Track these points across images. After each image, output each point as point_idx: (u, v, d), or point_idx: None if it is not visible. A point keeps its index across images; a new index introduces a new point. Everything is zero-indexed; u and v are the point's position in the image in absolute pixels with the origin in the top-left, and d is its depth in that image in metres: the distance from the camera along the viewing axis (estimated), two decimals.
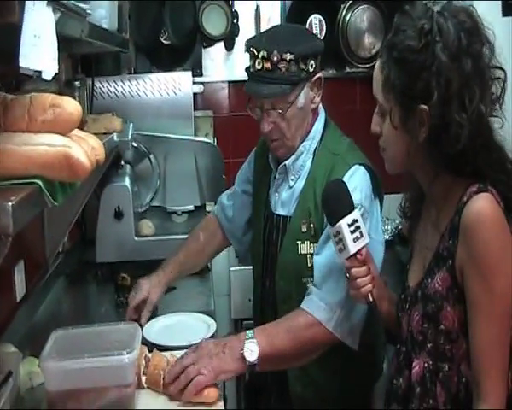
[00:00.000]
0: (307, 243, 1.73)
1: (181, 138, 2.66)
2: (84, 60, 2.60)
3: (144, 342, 1.72)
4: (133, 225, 2.45)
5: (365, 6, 3.22)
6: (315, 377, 1.76)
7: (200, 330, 1.92)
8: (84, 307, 2.36)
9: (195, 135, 2.82)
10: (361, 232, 1.41)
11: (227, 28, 3.15)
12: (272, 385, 1.93)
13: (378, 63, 1.36)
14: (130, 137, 2.42)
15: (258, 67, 1.68)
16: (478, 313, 1.27)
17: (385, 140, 1.38)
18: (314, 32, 3.19)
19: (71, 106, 1.03)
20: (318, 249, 1.68)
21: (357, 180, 1.66)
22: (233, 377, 1.64)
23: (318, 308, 1.61)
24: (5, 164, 0.95)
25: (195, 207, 2.69)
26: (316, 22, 3.21)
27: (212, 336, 1.89)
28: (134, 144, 2.55)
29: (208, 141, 2.80)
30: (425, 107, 1.27)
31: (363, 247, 1.42)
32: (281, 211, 1.83)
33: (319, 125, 1.80)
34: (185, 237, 2.49)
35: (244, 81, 1.78)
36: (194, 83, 2.84)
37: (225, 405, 1.55)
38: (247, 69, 1.73)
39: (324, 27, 3.22)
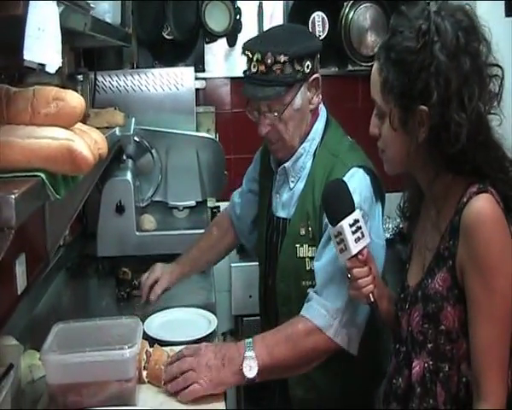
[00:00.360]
0: (305, 246, 1.72)
1: (183, 134, 2.65)
2: (87, 54, 2.59)
3: (145, 336, 1.72)
4: (134, 219, 2.45)
5: (368, 4, 3.22)
6: (316, 380, 1.74)
7: (201, 326, 1.92)
8: (85, 301, 2.36)
9: (197, 131, 2.82)
10: (362, 233, 1.41)
11: (230, 24, 3.15)
12: (273, 388, 1.93)
13: (375, 65, 1.36)
14: (132, 131, 2.42)
15: (254, 70, 1.68)
16: (478, 313, 1.27)
17: (384, 142, 1.38)
18: (317, 29, 3.20)
19: (74, 99, 1.03)
20: (318, 255, 1.67)
21: (356, 183, 1.63)
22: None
23: (319, 315, 1.60)
24: (8, 156, 0.95)
25: (197, 202, 2.69)
26: (318, 20, 3.21)
27: (212, 333, 1.89)
28: (136, 139, 2.55)
29: (210, 137, 2.80)
30: (424, 107, 1.26)
31: (365, 247, 1.42)
32: (281, 213, 1.82)
33: (319, 125, 1.78)
34: (186, 232, 2.51)
35: None
36: (196, 78, 2.84)
37: (225, 404, 1.55)
38: (244, 72, 1.73)
39: (327, 25, 3.22)
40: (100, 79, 2.62)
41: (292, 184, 1.79)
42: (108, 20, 1.93)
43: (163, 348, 1.68)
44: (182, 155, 2.65)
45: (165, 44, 3.17)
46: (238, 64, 3.12)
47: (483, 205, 1.26)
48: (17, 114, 1.00)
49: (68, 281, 2.45)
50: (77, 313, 2.09)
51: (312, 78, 1.71)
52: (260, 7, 3.24)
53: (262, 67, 1.65)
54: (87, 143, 1.03)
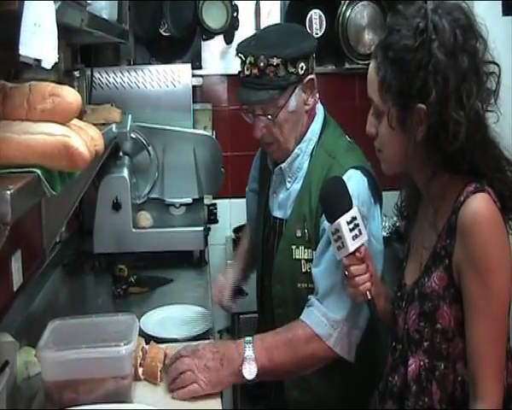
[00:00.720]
0: (301, 247, 1.71)
1: (180, 131, 2.65)
2: (84, 50, 2.59)
3: (141, 333, 1.72)
4: (131, 216, 2.45)
5: (365, 2, 3.22)
6: (312, 382, 1.74)
7: (198, 323, 1.92)
8: (82, 298, 2.36)
9: (194, 128, 2.81)
10: (360, 230, 1.41)
11: (227, 21, 3.15)
12: (269, 388, 1.94)
13: (372, 64, 1.35)
14: (128, 128, 2.41)
15: (247, 73, 1.66)
16: (475, 312, 1.26)
17: (381, 141, 1.37)
18: (314, 27, 3.20)
19: (70, 95, 1.03)
20: (316, 261, 1.65)
21: (353, 186, 1.60)
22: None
23: (319, 324, 1.59)
24: (4, 152, 0.95)
25: (194, 199, 2.68)
26: (316, 17, 3.21)
27: (208, 330, 1.89)
28: (133, 136, 2.54)
29: (207, 134, 2.79)
30: (423, 106, 1.26)
31: (362, 245, 1.42)
32: (278, 213, 1.81)
33: (316, 125, 1.77)
34: (183, 229, 2.52)
35: None
36: (193, 75, 2.83)
37: (222, 403, 1.54)
38: (238, 75, 1.72)
39: (324, 23, 3.22)
40: (96, 75, 2.62)
41: (288, 185, 1.77)
42: (105, 16, 1.92)
43: (159, 345, 1.68)
44: (178, 152, 2.64)
45: (162, 41, 3.16)
46: (235, 61, 3.06)
47: (480, 204, 1.26)
48: (13, 109, 1.00)
49: (64, 278, 2.45)
50: (73, 309, 2.09)
51: (307, 79, 1.69)
52: (257, 4, 3.24)
53: (255, 71, 1.64)
54: (83, 139, 1.02)
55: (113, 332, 1.55)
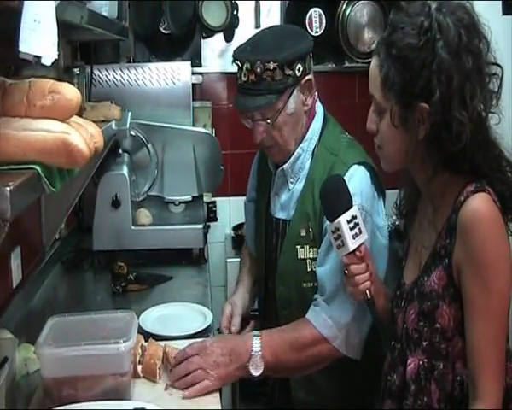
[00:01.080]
0: (306, 247, 1.70)
1: (179, 128, 2.65)
2: (83, 47, 2.59)
3: (140, 331, 1.72)
4: (130, 213, 2.45)
5: (365, 1, 3.22)
6: (318, 382, 1.75)
7: (197, 321, 1.92)
8: (81, 295, 2.36)
9: (194, 125, 2.81)
10: (360, 229, 1.40)
11: (227, 19, 3.15)
12: (272, 388, 1.94)
13: (375, 61, 1.34)
14: (128, 125, 2.42)
15: (244, 79, 1.65)
16: (474, 312, 1.26)
17: (382, 138, 1.37)
18: (314, 25, 3.20)
19: (70, 92, 1.03)
20: (321, 260, 1.65)
21: (357, 182, 1.62)
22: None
23: (325, 325, 1.61)
24: (3, 149, 0.95)
25: (193, 197, 2.68)
26: (315, 16, 3.21)
27: (207, 327, 1.89)
28: (132, 133, 2.54)
29: (207, 132, 2.79)
30: (425, 105, 1.26)
31: (362, 243, 1.41)
32: (280, 214, 1.80)
33: (316, 124, 1.76)
34: (182, 227, 2.52)
35: None
36: (193, 73, 2.83)
37: (221, 403, 1.54)
38: (236, 81, 1.70)
39: (324, 21, 3.22)
40: (96, 72, 2.62)
41: (291, 185, 1.77)
42: (105, 13, 1.92)
43: (158, 342, 1.68)
44: (178, 150, 2.64)
45: (162, 39, 3.16)
46: None
47: (480, 204, 1.26)
48: (13, 106, 1.00)
49: (64, 275, 2.45)
50: (72, 306, 2.09)
51: (305, 80, 1.68)
52: (257, 2, 3.24)
53: (252, 77, 1.63)
54: (83, 136, 1.02)
55: (112, 329, 1.54)
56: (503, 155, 1.33)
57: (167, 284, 2.32)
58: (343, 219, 1.39)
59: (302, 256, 1.71)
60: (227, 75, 3.27)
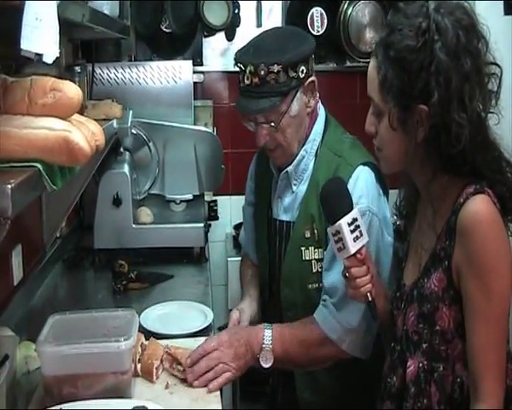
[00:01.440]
0: (311, 248, 1.71)
1: (181, 127, 2.65)
2: (85, 46, 2.59)
3: (141, 329, 1.72)
4: (131, 212, 2.45)
5: (367, 1, 3.22)
6: (323, 382, 1.76)
7: (197, 320, 1.92)
8: (81, 293, 2.36)
9: (195, 124, 2.81)
10: (360, 231, 1.39)
11: (228, 18, 3.15)
12: (275, 388, 1.95)
13: (372, 63, 1.33)
14: (129, 123, 2.41)
15: (247, 82, 1.63)
16: (475, 314, 1.26)
17: (381, 140, 1.36)
18: (315, 25, 3.19)
19: (71, 90, 1.03)
20: (329, 264, 1.65)
21: (363, 183, 1.63)
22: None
23: (334, 329, 1.63)
24: (5, 146, 0.95)
25: (194, 196, 2.69)
26: (317, 15, 3.20)
27: (208, 326, 1.89)
28: (133, 131, 2.54)
29: (208, 130, 2.79)
30: (424, 107, 1.25)
31: (363, 246, 1.40)
32: (284, 217, 1.80)
33: (319, 126, 1.76)
34: (183, 225, 2.52)
35: None
36: (194, 72, 2.83)
37: (222, 403, 1.54)
38: (238, 84, 1.69)
39: (325, 21, 3.21)
40: (97, 70, 2.62)
41: (294, 187, 1.76)
42: (106, 11, 1.92)
43: (158, 341, 1.68)
44: (179, 149, 2.64)
45: (164, 37, 3.16)
46: None
47: (480, 206, 1.26)
48: (14, 104, 1.00)
49: (64, 273, 2.45)
50: (73, 304, 2.09)
51: (308, 81, 1.67)
52: (259, 2, 3.24)
53: (255, 79, 1.61)
54: (84, 134, 1.02)
55: (112, 328, 1.55)
56: (502, 156, 1.33)
57: (168, 283, 2.32)
58: (344, 221, 1.37)
59: (307, 258, 1.71)
60: (228, 74, 3.27)
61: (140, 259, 2.42)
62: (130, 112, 2.46)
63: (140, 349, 1.61)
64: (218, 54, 3.29)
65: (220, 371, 1.58)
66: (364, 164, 1.67)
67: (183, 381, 1.58)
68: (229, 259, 3.08)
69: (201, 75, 3.05)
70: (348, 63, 3.34)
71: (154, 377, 1.58)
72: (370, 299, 1.42)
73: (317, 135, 1.76)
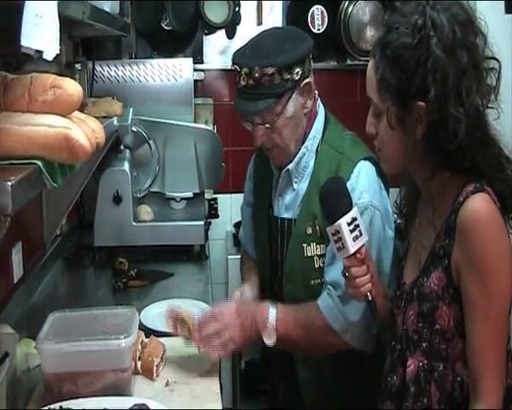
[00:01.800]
0: (313, 245, 1.71)
1: (181, 125, 2.65)
2: (85, 43, 2.59)
3: (141, 327, 1.72)
4: (132, 210, 2.45)
5: None
6: (326, 380, 1.77)
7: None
8: (82, 291, 2.36)
9: (195, 122, 2.81)
10: (360, 231, 1.38)
11: (228, 16, 3.14)
12: (278, 389, 1.95)
13: (371, 63, 1.33)
14: (130, 121, 2.41)
15: (243, 83, 1.65)
16: (475, 313, 1.26)
17: (381, 140, 1.36)
18: (316, 23, 3.18)
19: (72, 87, 1.03)
20: (330, 260, 1.66)
21: (365, 178, 1.64)
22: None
23: (336, 320, 1.63)
24: (5, 143, 0.95)
25: (194, 194, 2.69)
26: (317, 13, 3.20)
27: None
28: (134, 129, 2.54)
29: (208, 128, 2.79)
30: (422, 103, 1.25)
31: (363, 245, 1.40)
32: (285, 215, 1.80)
33: (319, 123, 1.77)
34: (183, 223, 2.52)
35: None
36: (194, 70, 2.83)
37: (222, 403, 1.54)
38: (235, 84, 1.70)
39: (326, 19, 3.21)
40: (98, 68, 2.61)
41: (295, 185, 1.77)
42: (107, 9, 1.92)
43: (159, 339, 1.69)
44: (180, 147, 2.64)
45: (164, 35, 3.16)
46: None
47: (479, 205, 1.25)
48: (14, 100, 1.00)
49: (65, 270, 2.45)
50: (73, 302, 2.10)
51: (303, 83, 1.67)
52: (259, 0, 3.23)
53: (251, 81, 1.62)
54: (84, 131, 1.02)
55: (113, 325, 1.55)
56: (502, 153, 1.32)
57: (168, 281, 2.32)
58: (343, 221, 1.37)
59: (309, 254, 1.71)
60: (229, 72, 3.26)
61: (140, 256, 2.42)
62: (131, 109, 2.46)
63: (140, 347, 1.61)
64: (219, 52, 3.28)
65: (226, 340, 1.59)
66: (365, 159, 1.68)
67: (184, 377, 1.59)
68: (229, 257, 3.07)
69: (202, 73, 3.05)
70: (349, 61, 3.34)
71: (154, 375, 1.58)
72: (370, 298, 1.41)
73: (318, 132, 1.76)
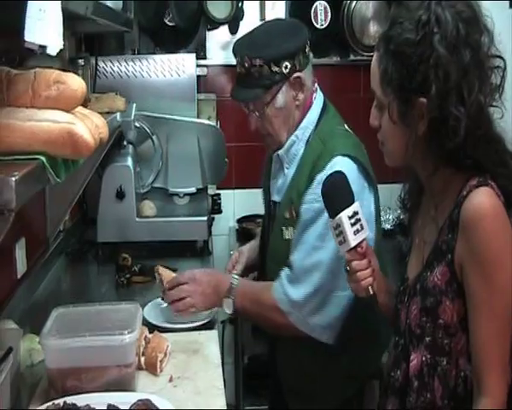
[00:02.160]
0: (290, 228, 1.76)
1: (184, 120, 2.65)
2: (88, 39, 2.59)
3: (144, 323, 1.72)
4: (135, 205, 2.45)
5: None
6: (307, 368, 1.79)
7: (200, 313, 1.92)
8: (85, 286, 2.36)
9: (198, 118, 2.81)
10: (361, 225, 1.38)
11: (231, 11, 3.13)
12: (269, 376, 2.00)
13: (375, 57, 1.33)
14: (133, 117, 2.41)
15: (239, 71, 1.74)
16: (478, 308, 1.25)
17: (384, 134, 1.36)
18: (319, 18, 3.17)
19: (75, 83, 1.03)
20: (295, 244, 1.72)
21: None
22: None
23: (281, 300, 1.71)
24: (9, 139, 0.95)
25: (197, 189, 2.69)
26: (321, 8, 3.19)
27: (211, 320, 1.90)
28: (137, 125, 2.54)
29: (211, 123, 2.79)
30: (423, 99, 1.24)
31: (364, 239, 1.39)
32: (276, 198, 1.86)
33: (312, 115, 1.78)
34: (186, 219, 2.52)
35: None
36: (197, 65, 2.83)
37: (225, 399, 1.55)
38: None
39: (329, 14, 3.19)
40: (101, 64, 2.61)
41: (286, 170, 1.82)
42: (110, 4, 1.92)
43: (162, 334, 1.69)
44: (183, 142, 2.64)
45: (167, 31, 3.15)
46: None
47: (483, 199, 1.25)
48: (18, 96, 1.00)
49: (68, 266, 2.45)
50: (76, 298, 2.10)
51: (294, 77, 1.71)
52: None
53: (242, 70, 1.72)
54: (88, 126, 1.02)
55: (116, 321, 1.55)
56: (506, 150, 1.32)
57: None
58: (344, 215, 1.37)
59: (287, 237, 1.77)
60: (232, 67, 3.22)
61: (143, 252, 2.42)
62: (134, 105, 2.46)
63: (144, 342, 1.61)
64: (222, 47, 3.27)
65: (188, 303, 1.77)
66: (344, 155, 1.67)
67: (187, 373, 1.60)
68: (232, 252, 3.07)
69: (205, 68, 3.04)
70: (352, 57, 3.32)
71: (158, 371, 1.59)
72: (372, 292, 1.41)
73: (310, 123, 1.78)
